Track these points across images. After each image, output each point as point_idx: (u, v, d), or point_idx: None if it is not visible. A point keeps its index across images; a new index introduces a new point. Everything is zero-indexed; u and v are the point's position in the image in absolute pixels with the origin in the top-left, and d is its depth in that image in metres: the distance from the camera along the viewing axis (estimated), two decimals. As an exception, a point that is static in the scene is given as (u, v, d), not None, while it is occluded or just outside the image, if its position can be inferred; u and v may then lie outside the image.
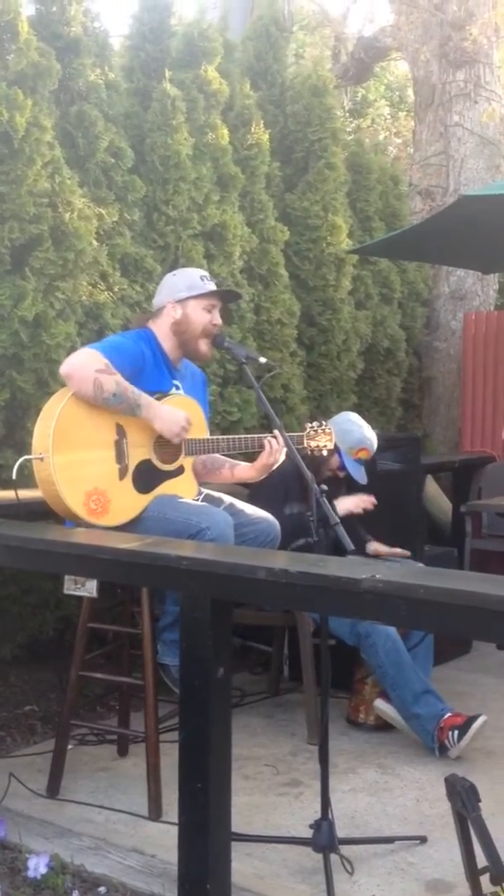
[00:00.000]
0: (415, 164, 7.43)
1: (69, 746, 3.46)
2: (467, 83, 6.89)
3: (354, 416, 4.13)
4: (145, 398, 3.19)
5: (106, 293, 4.30)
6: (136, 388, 3.17)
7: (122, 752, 3.64)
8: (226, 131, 5.05)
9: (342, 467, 4.00)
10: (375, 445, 4.07)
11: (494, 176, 6.89)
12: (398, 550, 4.26)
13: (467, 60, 6.84)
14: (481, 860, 2.45)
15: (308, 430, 3.39)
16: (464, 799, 2.43)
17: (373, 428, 4.15)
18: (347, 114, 13.28)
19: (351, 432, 3.97)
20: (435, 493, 6.49)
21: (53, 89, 4.15)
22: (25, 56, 3.97)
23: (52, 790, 3.26)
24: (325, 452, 3.40)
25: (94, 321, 4.23)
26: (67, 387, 3.14)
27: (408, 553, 4.29)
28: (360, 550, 4.17)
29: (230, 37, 5.51)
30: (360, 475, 4.04)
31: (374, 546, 4.26)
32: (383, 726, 3.80)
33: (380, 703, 3.77)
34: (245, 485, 3.86)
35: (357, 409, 5.71)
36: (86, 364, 3.10)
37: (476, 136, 6.88)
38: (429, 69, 7.13)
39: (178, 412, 3.26)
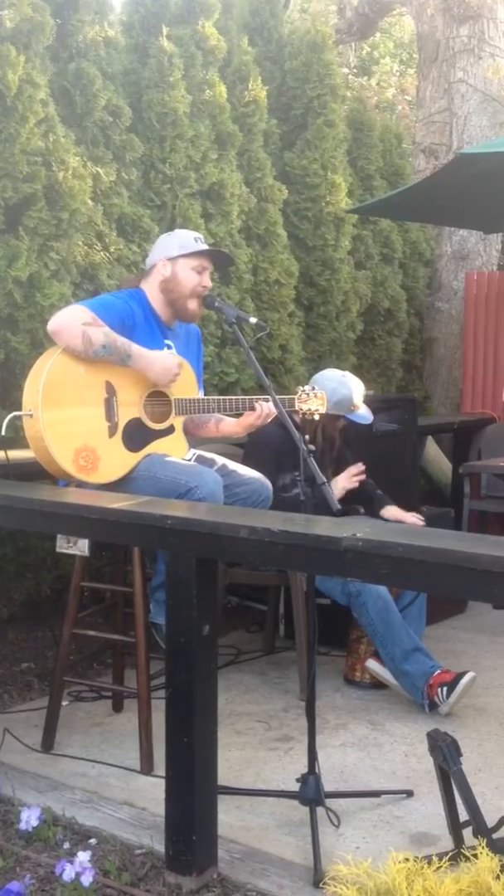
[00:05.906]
0: (418, 121, 7.33)
1: (65, 703, 3.51)
2: (471, 38, 6.78)
3: (334, 375, 3.97)
4: (135, 348, 3.19)
5: (102, 253, 4.28)
6: (126, 339, 3.17)
7: (117, 707, 3.69)
8: (223, 88, 4.99)
9: (350, 423, 3.99)
10: (361, 385, 4.01)
11: (498, 133, 6.79)
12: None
13: (471, 15, 6.73)
14: (464, 814, 2.50)
15: (300, 393, 3.35)
16: (445, 753, 2.46)
17: (372, 389, 4.13)
18: (355, 70, 13.10)
19: (344, 397, 3.88)
20: (436, 455, 6.49)
21: (49, 45, 4.10)
22: (19, 11, 3.92)
23: (47, 745, 3.31)
24: (316, 416, 3.35)
25: (89, 282, 4.22)
26: (56, 344, 3.14)
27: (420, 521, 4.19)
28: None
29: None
30: (367, 417, 4.01)
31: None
32: (379, 685, 3.84)
33: (371, 664, 3.81)
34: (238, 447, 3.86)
35: (357, 370, 5.70)
36: (73, 318, 3.10)
37: (480, 92, 6.78)
38: (433, 24, 7.01)
39: (170, 358, 3.26)
